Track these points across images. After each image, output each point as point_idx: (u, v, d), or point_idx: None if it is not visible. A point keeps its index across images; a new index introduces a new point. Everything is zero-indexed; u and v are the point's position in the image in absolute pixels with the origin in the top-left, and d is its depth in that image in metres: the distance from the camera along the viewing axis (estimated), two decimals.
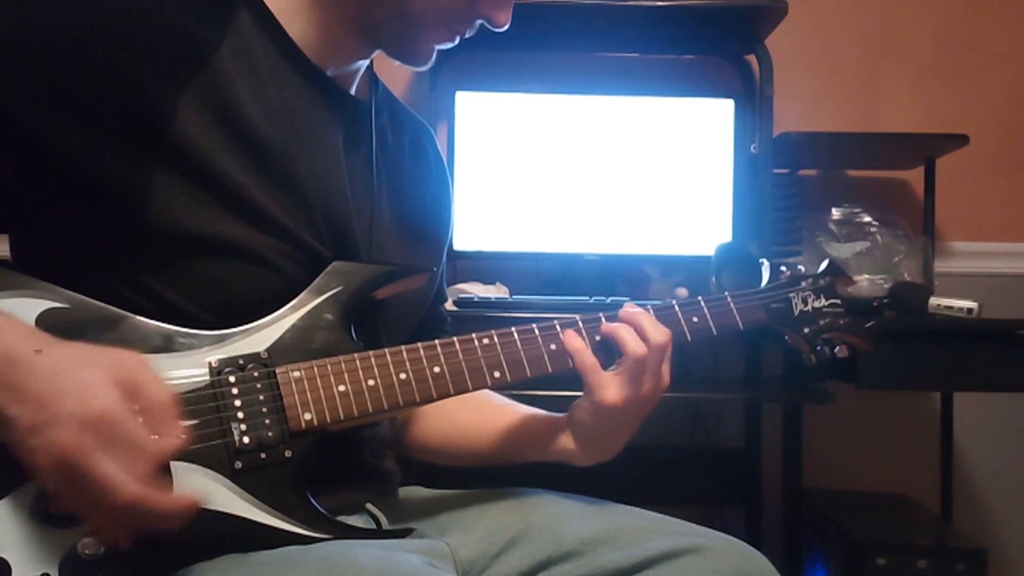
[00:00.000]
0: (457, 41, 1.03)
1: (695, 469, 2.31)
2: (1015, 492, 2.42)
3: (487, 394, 1.19)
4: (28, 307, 0.81)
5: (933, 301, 1.93)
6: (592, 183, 2.14)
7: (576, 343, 1.00)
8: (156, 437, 0.74)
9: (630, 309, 1.02)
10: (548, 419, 1.11)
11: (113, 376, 0.74)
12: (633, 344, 0.99)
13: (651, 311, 1.04)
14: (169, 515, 0.74)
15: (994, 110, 2.42)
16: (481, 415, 1.16)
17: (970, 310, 1.85)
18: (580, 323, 1.02)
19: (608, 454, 1.06)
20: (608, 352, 1.01)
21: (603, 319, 1.02)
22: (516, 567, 1.01)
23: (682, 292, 2.10)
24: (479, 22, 1.01)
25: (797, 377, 2.07)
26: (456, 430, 1.17)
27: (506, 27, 1.01)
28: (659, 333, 1.00)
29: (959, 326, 1.85)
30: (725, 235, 2.13)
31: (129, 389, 0.74)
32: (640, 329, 1.00)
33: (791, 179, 2.25)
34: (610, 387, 0.99)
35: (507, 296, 2.02)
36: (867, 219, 2.20)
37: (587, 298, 1.94)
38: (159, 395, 0.75)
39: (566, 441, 1.07)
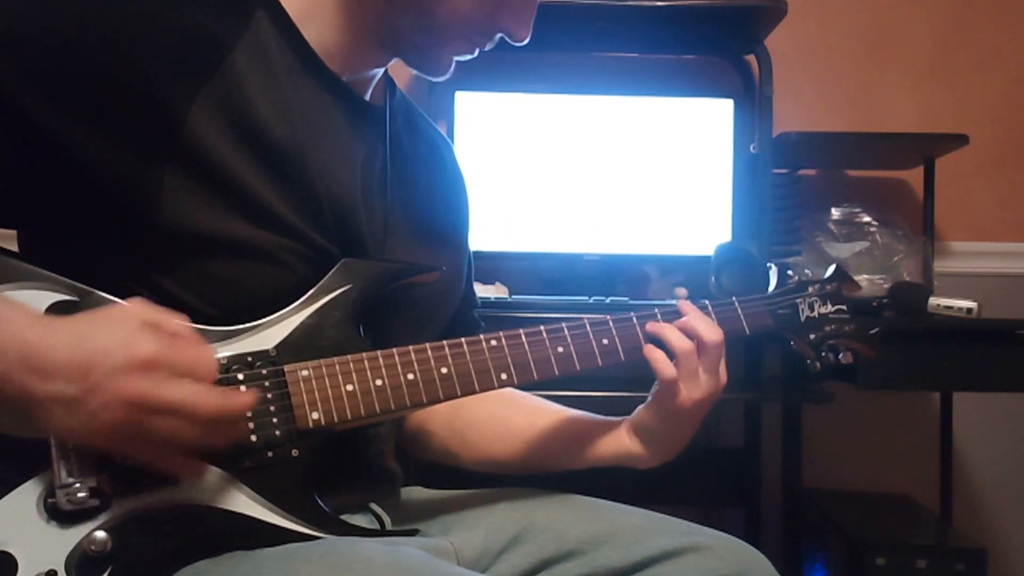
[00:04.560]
0: (476, 53, 1.03)
1: (695, 469, 2.29)
2: (1015, 492, 2.42)
3: (533, 399, 1.19)
4: (38, 299, 0.81)
5: (933, 301, 1.93)
6: (592, 183, 2.14)
7: (655, 353, 1.01)
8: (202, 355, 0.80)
9: (685, 310, 1.04)
10: (605, 423, 1.11)
11: (135, 324, 0.77)
12: (679, 342, 1.01)
13: (659, 315, 1.04)
14: (244, 410, 0.82)
15: (994, 110, 2.42)
16: (539, 422, 1.15)
17: (970, 310, 1.86)
18: (635, 319, 1.03)
19: (672, 454, 1.08)
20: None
21: (658, 316, 1.04)
22: (519, 565, 1.02)
23: (682, 292, 2.10)
24: (499, 35, 1.01)
25: (797, 377, 2.07)
26: (515, 439, 1.15)
27: (526, 41, 1.01)
28: (712, 332, 1.02)
29: (959, 326, 1.86)
30: (725, 235, 2.14)
31: (154, 329, 0.77)
32: (692, 329, 1.02)
33: (791, 179, 2.25)
34: (680, 389, 1.01)
35: (507, 296, 2.02)
36: (867, 219, 2.20)
37: (587, 298, 1.94)
38: (177, 324, 0.80)
39: (630, 444, 1.08)
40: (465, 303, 1.21)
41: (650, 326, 1.03)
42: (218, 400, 0.78)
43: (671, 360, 1.01)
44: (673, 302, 1.07)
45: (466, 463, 1.19)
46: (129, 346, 0.74)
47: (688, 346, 1.01)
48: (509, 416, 1.16)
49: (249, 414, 0.85)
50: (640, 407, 1.08)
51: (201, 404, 0.76)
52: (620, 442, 1.08)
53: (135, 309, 0.79)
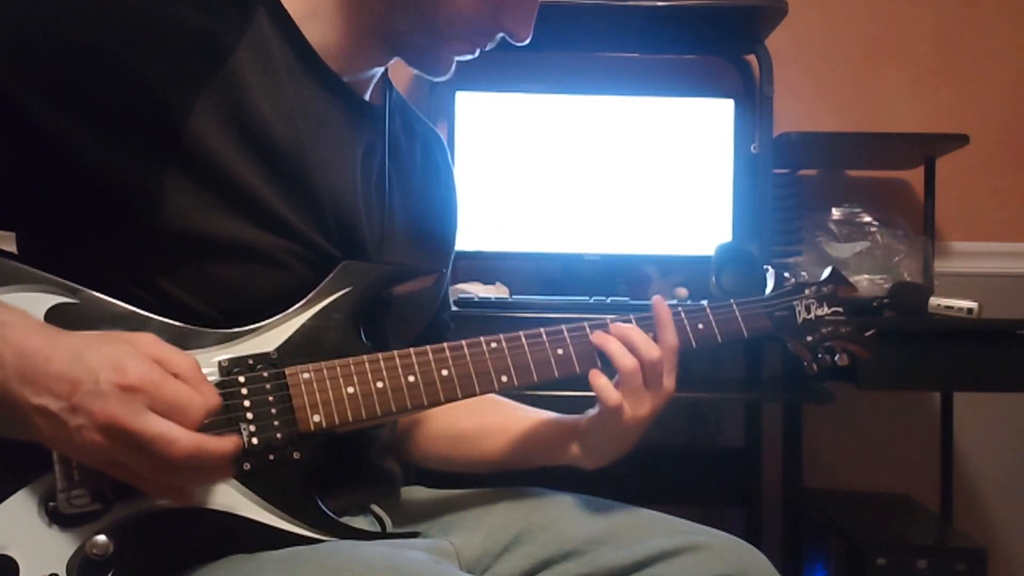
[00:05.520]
0: (477, 53, 1.03)
1: (695, 469, 2.31)
2: (1015, 492, 2.42)
3: (491, 399, 1.18)
4: (38, 302, 0.81)
5: (933, 301, 1.93)
6: (592, 183, 2.14)
7: (598, 379, 1.00)
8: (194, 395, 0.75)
9: (620, 325, 1.02)
10: (556, 424, 1.11)
11: (134, 350, 0.75)
12: (622, 359, 0.99)
13: (633, 320, 1.04)
14: (224, 457, 0.76)
15: (994, 110, 2.42)
16: (488, 422, 1.16)
17: (970, 310, 1.85)
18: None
19: (610, 459, 1.06)
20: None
21: (587, 329, 1.02)
22: (519, 565, 1.02)
23: (682, 292, 2.10)
24: (500, 35, 1.02)
25: (797, 377, 2.06)
26: (464, 438, 1.16)
27: (527, 41, 1.01)
28: (649, 349, 0.99)
29: (959, 326, 1.85)
30: (725, 235, 2.14)
31: (154, 359, 0.75)
32: (630, 344, 1.00)
33: (791, 179, 2.25)
34: (625, 408, 0.99)
35: (507, 296, 2.02)
36: (867, 219, 2.20)
37: (587, 298, 1.94)
38: (183, 361, 0.77)
39: (575, 447, 1.08)
40: (441, 305, 1.22)
41: (595, 337, 1.01)
42: (192, 444, 0.72)
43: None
44: (674, 302, 1.07)
45: (410, 457, 1.20)
46: (117, 369, 0.72)
47: (632, 364, 0.99)
48: (458, 416, 1.17)
49: (251, 415, 0.85)
50: (588, 414, 1.06)
51: (176, 443, 0.71)
52: (567, 445, 1.08)
53: (144, 338, 0.77)
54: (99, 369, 0.72)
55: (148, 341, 0.77)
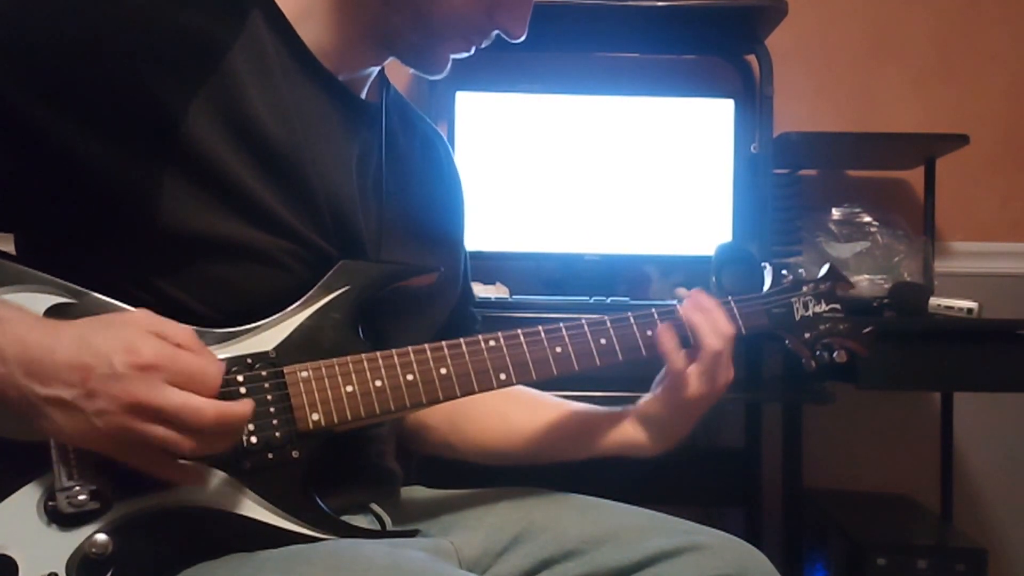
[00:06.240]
0: (472, 51, 1.03)
1: (695, 469, 2.31)
2: (1015, 492, 2.42)
3: (534, 393, 1.19)
4: (36, 302, 0.81)
5: (933, 301, 1.93)
6: (592, 183, 2.14)
7: (670, 343, 1.03)
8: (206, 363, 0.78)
9: (704, 302, 1.06)
10: (607, 413, 1.12)
11: (138, 329, 0.76)
12: (712, 337, 1.03)
13: (656, 314, 1.05)
14: (243, 419, 0.80)
15: (994, 110, 2.42)
16: (539, 416, 1.16)
17: (970, 310, 1.86)
18: (632, 319, 1.05)
19: (674, 442, 1.09)
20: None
21: (655, 315, 1.06)
22: (519, 565, 1.02)
23: (682, 292, 2.09)
24: (495, 33, 1.02)
25: (797, 377, 2.07)
26: (515, 433, 1.16)
27: (522, 39, 1.01)
28: (729, 327, 1.04)
29: (959, 326, 1.86)
30: (725, 235, 2.14)
31: (156, 334, 0.77)
32: (715, 323, 1.04)
33: (791, 179, 2.25)
34: (692, 382, 1.02)
35: (507, 296, 2.02)
36: (867, 219, 2.20)
37: (587, 298, 1.94)
38: (184, 333, 0.79)
39: (634, 433, 1.09)
40: (462, 300, 1.21)
41: (683, 312, 1.05)
42: (216, 411, 0.76)
43: (686, 350, 1.03)
44: (673, 302, 1.08)
45: (466, 456, 1.20)
46: (130, 350, 0.74)
47: (718, 343, 1.03)
48: (509, 411, 1.17)
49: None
50: (647, 397, 1.09)
51: (199, 414, 0.75)
52: (624, 433, 1.10)
53: (140, 316, 0.79)
54: (110, 352, 0.74)
55: (145, 318, 0.79)
